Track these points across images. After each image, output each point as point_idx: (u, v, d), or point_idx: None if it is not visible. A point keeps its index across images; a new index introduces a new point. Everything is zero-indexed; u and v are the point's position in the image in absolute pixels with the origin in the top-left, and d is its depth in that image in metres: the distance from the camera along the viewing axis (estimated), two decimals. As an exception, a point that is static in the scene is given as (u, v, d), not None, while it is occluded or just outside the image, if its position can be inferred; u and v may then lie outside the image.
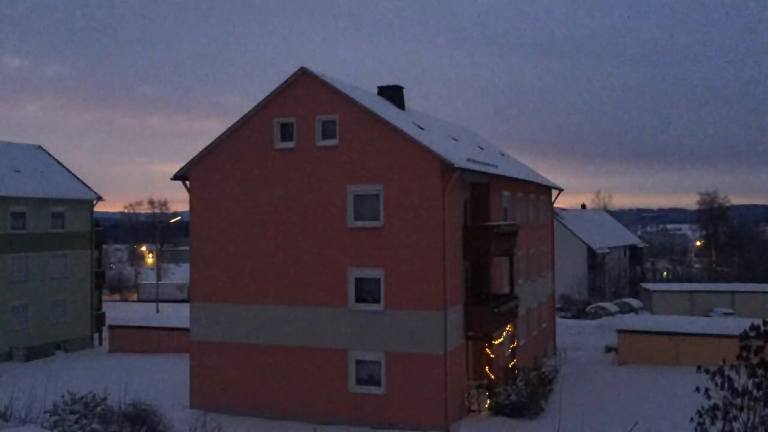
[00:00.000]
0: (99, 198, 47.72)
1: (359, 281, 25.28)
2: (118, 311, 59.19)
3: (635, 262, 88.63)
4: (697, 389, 8.62)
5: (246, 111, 26.91)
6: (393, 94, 30.90)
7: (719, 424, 8.26)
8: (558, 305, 53.85)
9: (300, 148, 25.99)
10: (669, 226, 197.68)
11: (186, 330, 29.66)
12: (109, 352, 43.77)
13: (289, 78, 26.04)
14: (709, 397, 8.41)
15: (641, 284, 68.05)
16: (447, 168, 23.99)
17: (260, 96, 26.70)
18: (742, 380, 8.37)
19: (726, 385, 8.36)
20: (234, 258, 26.89)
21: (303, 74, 25.96)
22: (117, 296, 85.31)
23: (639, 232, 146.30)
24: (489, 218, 28.38)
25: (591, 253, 73.04)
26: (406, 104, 31.52)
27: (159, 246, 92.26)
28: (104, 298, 60.91)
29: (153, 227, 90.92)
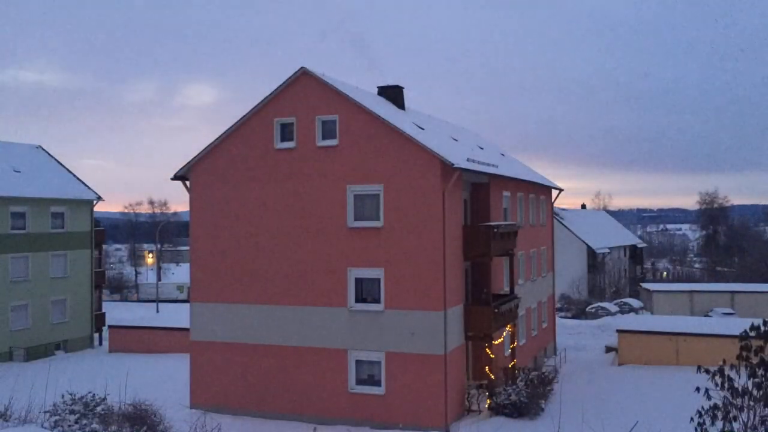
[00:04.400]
0: (99, 198, 47.73)
1: (359, 281, 25.29)
2: (118, 311, 59.20)
3: (635, 262, 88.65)
4: (697, 389, 8.61)
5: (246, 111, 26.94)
6: (393, 94, 30.91)
7: (719, 424, 8.25)
8: (558, 305, 53.83)
9: (300, 148, 25.99)
10: (669, 226, 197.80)
11: (186, 330, 29.66)
12: (109, 352, 43.78)
13: (289, 78, 26.05)
14: (709, 397, 8.41)
15: (641, 284, 68.01)
16: (447, 168, 23.99)
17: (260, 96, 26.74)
18: (742, 380, 8.37)
19: (726, 385, 8.35)
20: (234, 258, 26.89)
21: (303, 74, 25.96)
22: (117, 296, 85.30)
23: (639, 232, 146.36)
24: (489, 218, 28.39)
25: (591, 253, 73.03)
26: (406, 104, 31.53)
27: (159, 246, 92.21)
28: (104, 298, 60.96)
29: (153, 227, 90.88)
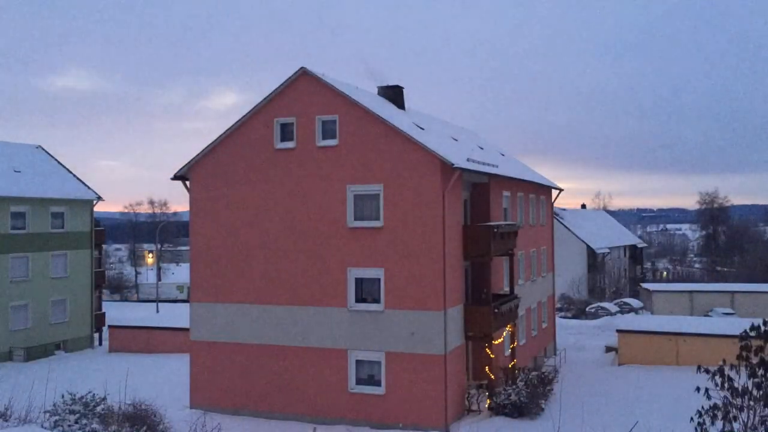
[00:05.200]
0: (99, 198, 47.71)
1: (359, 281, 25.29)
2: (118, 311, 59.19)
3: (635, 262, 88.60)
4: (697, 389, 8.62)
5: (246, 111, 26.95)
6: (393, 94, 30.89)
7: (719, 424, 8.25)
8: (558, 305, 53.83)
9: (300, 148, 25.99)
10: (669, 226, 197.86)
11: (186, 330, 29.67)
12: (109, 352, 43.79)
13: (289, 78, 26.05)
14: (709, 397, 8.41)
15: (641, 284, 67.99)
16: (447, 168, 23.99)
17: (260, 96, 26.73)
18: (742, 380, 8.37)
19: (726, 385, 8.36)
20: (234, 258, 26.89)
21: (303, 74, 25.96)
22: (117, 296, 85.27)
23: (639, 232, 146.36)
24: (489, 218, 28.39)
25: (591, 253, 73.00)
26: (406, 104, 31.52)
27: (159, 246, 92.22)
28: (104, 298, 60.92)
29: (153, 227, 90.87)
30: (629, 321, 40.82)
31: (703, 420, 8.28)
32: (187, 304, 30.76)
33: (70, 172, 48.45)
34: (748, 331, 8.68)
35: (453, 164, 23.76)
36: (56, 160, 48.99)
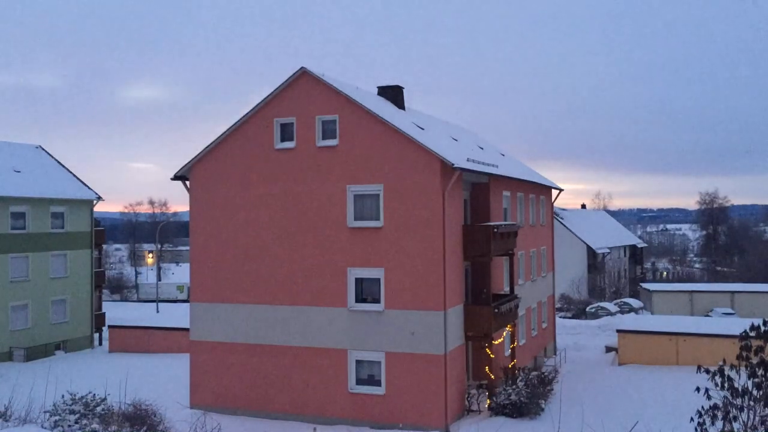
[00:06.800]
0: (99, 198, 47.71)
1: (359, 281, 25.29)
2: (118, 311, 59.20)
3: (635, 262, 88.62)
4: (697, 389, 8.62)
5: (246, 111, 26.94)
6: (393, 94, 30.88)
7: (719, 424, 8.25)
8: (558, 305, 53.83)
9: (300, 148, 25.99)
10: (669, 226, 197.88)
11: (186, 330, 29.67)
12: (109, 352, 43.79)
13: (289, 78, 26.05)
14: (709, 397, 8.41)
15: (641, 284, 68.00)
16: (447, 168, 23.99)
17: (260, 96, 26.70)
18: (742, 380, 8.37)
19: (726, 385, 8.35)
20: (234, 258, 26.89)
21: (303, 74, 25.96)
22: (117, 296, 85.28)
23: (639, 232, 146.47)
24: (489, 218, 28.39)
25: (591, 253, 73.00)
26: (406, 104, 31.51)
27: (159, 246, 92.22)
28: (104, 298, 60.93)
29: (153, 227, 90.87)
30: (629, 321, 40.81)
31: (703, 420, 8.27)
32: (187, 304, 30.77)
33: (70, 172, 48.45)
34: (748, 331, 8.67)
35: (453, 164, 23.75)
36: (56, 160, 48.99)
